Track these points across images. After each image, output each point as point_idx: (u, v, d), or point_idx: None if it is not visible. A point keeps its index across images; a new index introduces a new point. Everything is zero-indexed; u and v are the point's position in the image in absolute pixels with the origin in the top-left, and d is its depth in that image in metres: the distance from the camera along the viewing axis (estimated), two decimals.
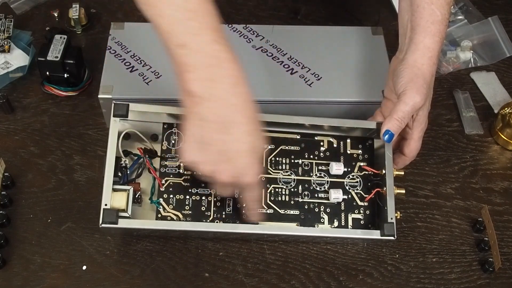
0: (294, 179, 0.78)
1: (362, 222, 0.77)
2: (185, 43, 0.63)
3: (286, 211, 0.76)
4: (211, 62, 0.63)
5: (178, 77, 0.64)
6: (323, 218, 0.77)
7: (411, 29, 0.76)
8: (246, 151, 0.65)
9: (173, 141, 0.77)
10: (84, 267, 0.76)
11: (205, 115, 0.64)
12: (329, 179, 0.78)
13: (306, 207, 0.77)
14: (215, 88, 0.63)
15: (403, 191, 0.76)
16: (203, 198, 0.76)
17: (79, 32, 0.99)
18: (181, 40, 0.63)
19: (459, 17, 1.02)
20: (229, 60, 0.64)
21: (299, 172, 0.78)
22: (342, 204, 0.77)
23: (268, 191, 0.77)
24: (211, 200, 0.76)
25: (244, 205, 0.74)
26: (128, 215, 0.71)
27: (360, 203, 0.78)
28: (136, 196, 0.74)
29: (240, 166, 0.66)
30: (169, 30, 0.63)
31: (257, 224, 0.74)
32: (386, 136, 0.74)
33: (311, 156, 0.79)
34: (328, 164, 0.78)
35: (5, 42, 0.94)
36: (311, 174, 0.78)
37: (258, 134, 0.66)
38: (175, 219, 0.74)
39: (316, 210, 0.77)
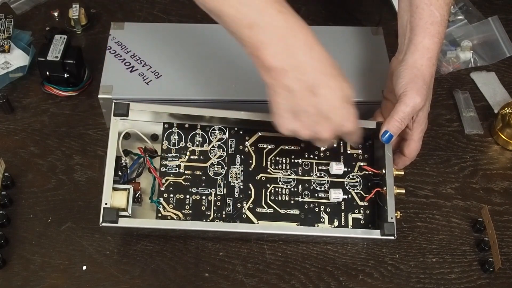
0: (294, 178, 0.78)
1: (362, 221, 0.77)
2: (254, 22, 0.64)
3: (286, 211, 0.76)
4: (282, 33, 0.64)
5: (252, 57, 0.66)
6: (323, 218, 0.77)
7: (410, 30, 0.76)
8: (338, 105, 0.67)
9: (173, 141, 0.77)
10: (84, 267, 0.76)
11: (290, 86, 0.65)
12: (329, 179, 0.78)
13: (306, 206, 0.77)
14: (293, 57, 0.65)
15: (403, 191, 0.76)
16: (203, 197, 0.76)
17: (79, 32, 0.99)
18: (249, 20, 0.64)
19: (459, 17, 1.02)
20: (298, 26, 0.65)
21: (299, 171, 0.78)
22: (342, 203, 0.77)
23: (268, 190, 0.77)
24: (211, 199, 0.76)
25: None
26: (128, 214, 0.71)
27: (360, 203, 0.78)
28: (136, 195, 0.74)
29: (337, 120, 0.68)
30: (234, 14, 0.64)
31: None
32: (385, 136, 0.75)
33: (311, 156, 0.79)
34: (328, 164, 0.79)
35: (5, 42, 0.94)
36: (311, 174, 0.78)
37: (343, 84, 0.68)
38: (175, 218, 0.74)
39: (316, 210, 0.77)
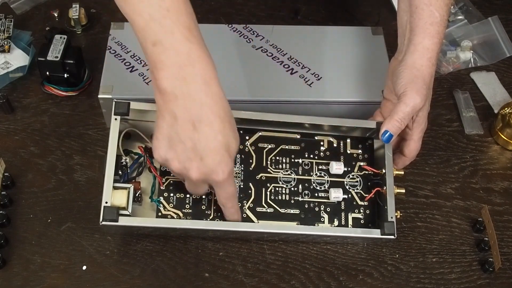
0: (294, 178, 0.78)
1: (362, 221, 0.77)
2: (159, 41, 0.63)
3: (286, 210, 0.76)
4: (183, 60, 0.63)
5: (151, 74, 0.65)
6: (323, 217, 0.77)
7: (410, 30, 0.76)
8: (216, 149, 0.65)
9: None
10: (84, 267, 0.76)
11: (176, 113, 0.64)
12: (329, 179, 0.78)
13: (306, 206, 0.77)
14: (187, 86, 0.63)
15: (403, 191, 0.76)
16: (204, 197, 0.76)
17: (79, 32, 0.99)
18: (155, 38, 0.63)
19: (459, 17, 1.02)
20: (202, 59, 0.64)
21: (299, 171, 0.78)
22: (342, 203, 0.77)
23: (268, 190, 0.77)
24: (212, 199, 0.76)
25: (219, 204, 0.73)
26: (128, 213, 0.71)
27: (360, 203, 0.78)
28: (137, 195, 0.74)
29: (210, 164, 0.65)
30: (144, 27, 0.63)
31: (239, 221, 0.74)
32: (385, 136, 0.75)
33: (311, 156, 0.79)
34: (328, 164, 0.79)
35: (5, 42, 0.94)
36: (311, 174, 0.78)
37: (230, 133, 0.66)
38: (175, 217, 0.74)
39: (316, 210, 0.77)
